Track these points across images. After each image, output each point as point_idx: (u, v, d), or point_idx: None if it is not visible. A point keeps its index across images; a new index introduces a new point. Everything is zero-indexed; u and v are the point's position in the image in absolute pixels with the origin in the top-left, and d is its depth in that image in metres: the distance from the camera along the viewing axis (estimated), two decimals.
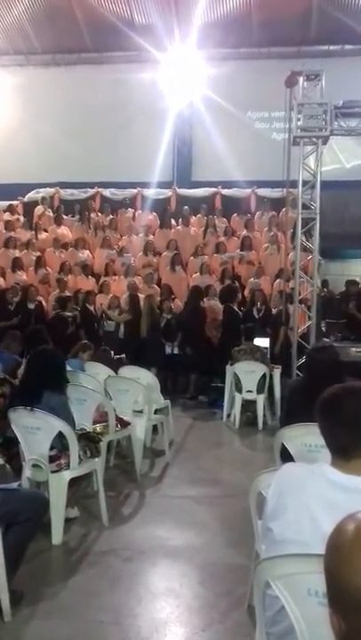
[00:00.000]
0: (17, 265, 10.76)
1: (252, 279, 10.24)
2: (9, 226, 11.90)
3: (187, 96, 13.12)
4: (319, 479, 1.83)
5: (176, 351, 9.06)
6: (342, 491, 1.77)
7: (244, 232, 11.34)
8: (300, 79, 8.35)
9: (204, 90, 13.04)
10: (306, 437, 3.26)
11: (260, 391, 7.27)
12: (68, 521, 4.05)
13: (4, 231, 11.85)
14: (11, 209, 12.61)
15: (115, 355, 7.97)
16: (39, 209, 12.50)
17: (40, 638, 2.90)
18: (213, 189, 12.69)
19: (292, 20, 12.28)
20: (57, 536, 3.83)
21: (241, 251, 10.94)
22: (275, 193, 11.44)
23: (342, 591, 0.91)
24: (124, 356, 7.86)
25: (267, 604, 1.85)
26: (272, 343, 8.34)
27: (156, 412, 6.02)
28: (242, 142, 12.73)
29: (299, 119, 8.14)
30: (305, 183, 8.43)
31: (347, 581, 0.91)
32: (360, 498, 1.72)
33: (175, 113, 13.13)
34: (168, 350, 9.06)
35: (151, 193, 12.76)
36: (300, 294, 8.59)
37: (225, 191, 12.61)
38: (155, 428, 6.11)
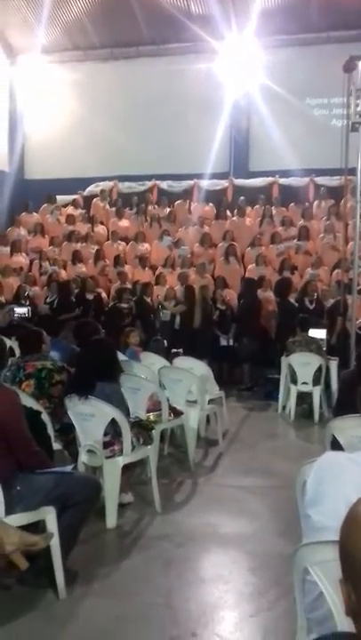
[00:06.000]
0: (77, 257, 11.04)
1: (309, 269, 10.08)
2: (70, 220, 12.21)
3: (243, 85, 12.98)
4: (358, 468, 1.83)
5: (231, 343, 9.06)
6: None
7: (301, 222, 11.17)
8: (359, 64, 8.10)
9: (262, 78, 12.83)
10: (356, 429, 3.23)
11: (315, 383, 7.19)
12: (122, 506, 4.17)
13: (65, 225, 12.17)
14: (74, 203, 12.93)
15: (171, 347, 8.05)
16: (96, 202, 12.72)
17: (93, 616, 3.01)
18: (271, 179, 12.55)
19: (352, 2, 11.90)
20: (111, 520, 3.95)
21: (298, 240, 10.78)
22: (333, 181, 11.19)
23: (353, 559, 0.93)
24: (181, 350, 7.90)
25: (306, 590, 1.87)
26: (329, 334, 8.21)
27: (209, 402, 6.07)
28: (300, 130, 12.47)
29: (358, 105, 7.92)
30: None
31: (357, 549, 0.92)
32: None
33: (232, 103, 13.02)
34: (223, 342, 9.07)
35: (208, 184, 12.74)
36: (359, 285, 8.40)
37: (283, 180, 12.44)
38: (208, 418, 6.17)
